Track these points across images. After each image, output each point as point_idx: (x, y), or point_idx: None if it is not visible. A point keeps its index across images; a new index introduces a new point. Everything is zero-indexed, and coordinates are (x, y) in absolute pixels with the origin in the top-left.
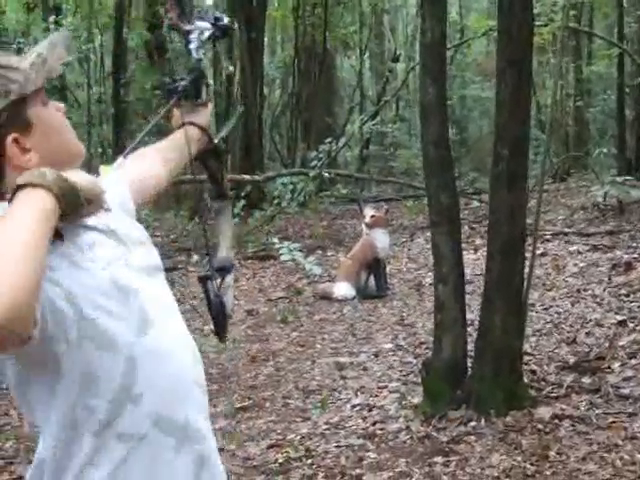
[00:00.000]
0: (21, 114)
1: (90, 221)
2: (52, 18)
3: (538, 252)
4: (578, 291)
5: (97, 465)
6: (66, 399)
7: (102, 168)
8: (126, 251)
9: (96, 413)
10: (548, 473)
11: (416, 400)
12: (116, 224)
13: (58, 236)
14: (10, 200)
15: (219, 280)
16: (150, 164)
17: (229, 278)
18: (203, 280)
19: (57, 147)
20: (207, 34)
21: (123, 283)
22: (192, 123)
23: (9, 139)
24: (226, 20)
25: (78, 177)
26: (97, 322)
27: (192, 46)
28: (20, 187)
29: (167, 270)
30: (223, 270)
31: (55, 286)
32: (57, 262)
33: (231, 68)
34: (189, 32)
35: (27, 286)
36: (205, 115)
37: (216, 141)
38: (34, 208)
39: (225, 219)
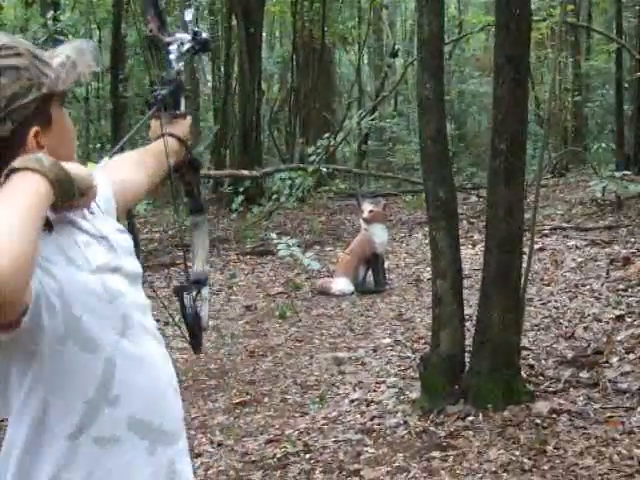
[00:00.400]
0: (46, 110)
1: (83, 225)
2: (50, 13)
3: (536, 247)
4: (576, 286)
5: (72, 470)
6: (41, 395)
7: (89, 164)
8: (116, 258)
9: (71, 415)
10: (546, 468)
11: (414, 395)
12: (107, 230)
13: (48, 226)
14: (2, 184)
15: (195, 293)
16: (130, 168)
17: (205, 291)
18: (179, 291)
19: (63, 151)
20: (187, 46)
21: (110, 286)
22: (171, 134)
23: (32, 131)
24: (204, 35)
25: (73, 167)
26: (82, 321)
27: (172, 56)
28: (14, 171)
29: (166, 266)
30: (199, 283)
31: (52, 280)
32: (56, 256)
33: (209, 85)
34: (169, 44)
35: (21, 260)
36: (184, 126)
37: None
38: (29, 191)
39: (201, 233)
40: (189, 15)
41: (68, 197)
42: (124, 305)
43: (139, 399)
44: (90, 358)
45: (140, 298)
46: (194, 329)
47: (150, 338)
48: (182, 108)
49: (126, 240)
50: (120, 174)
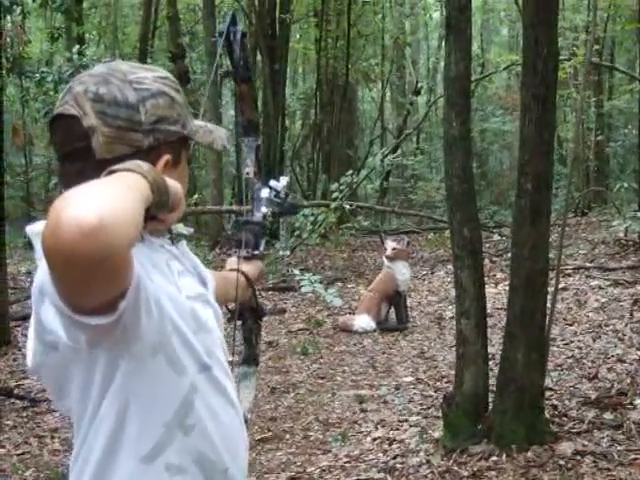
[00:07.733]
0: (180, 150)
1: (176, 253)
2: (76, 48)
3: (559, 286)
4: (599, 326)
5: None
6: (122, 406)
7: None
8: (206, 292)
9: (148, 435)
10: None
11: (437, 434)
12: (201, 268)
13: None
14: None
15: None
16: None
17: None
18: None
19: None
20: (276, 201)
21: (200, 316)
22: (243, 273)
23: (165, 158)
24: (294, 201)
25: (168, 179)
26: (172, 340)
27: (263, 195)
28: (113, 172)
29: None
30: None
31: (151, 283)
32: (151, 269)
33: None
34: (261, 188)
35: (123, 214)
36: (257, 267)
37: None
38: (129, 183)
39: (249, 385)
40: (284, 181)
41: (162, 206)
42: (211, 339)
43: (211, 436)
44: (177, 379)
45: (223, 339)
46: None
47: (229, 382)
48: (260, 249)
49: (212, 282)
50: None
